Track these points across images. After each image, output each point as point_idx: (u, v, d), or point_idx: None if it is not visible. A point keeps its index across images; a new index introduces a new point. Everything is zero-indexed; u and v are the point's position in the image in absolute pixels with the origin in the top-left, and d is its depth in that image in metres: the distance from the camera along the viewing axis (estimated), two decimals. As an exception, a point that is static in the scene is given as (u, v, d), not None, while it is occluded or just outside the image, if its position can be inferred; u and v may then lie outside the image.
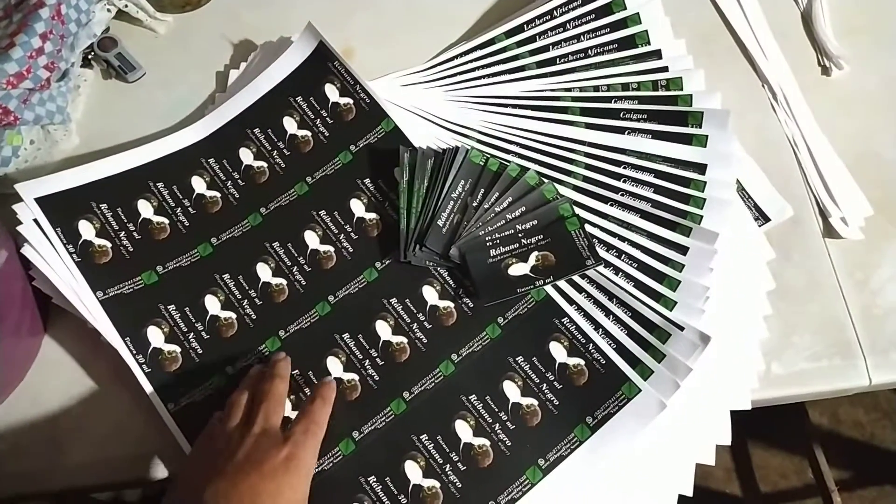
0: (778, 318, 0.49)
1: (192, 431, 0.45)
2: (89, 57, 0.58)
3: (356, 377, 0.47)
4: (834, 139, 0.54)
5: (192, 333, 0.48)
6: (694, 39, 0.57)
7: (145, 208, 0.51)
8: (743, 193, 0.52)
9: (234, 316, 0.48)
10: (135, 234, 0.50)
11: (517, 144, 0.54)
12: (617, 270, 0.49)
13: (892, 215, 0.52)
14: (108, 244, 0.49)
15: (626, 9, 0.56)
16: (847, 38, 0.58)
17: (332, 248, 0.51)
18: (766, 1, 0.59)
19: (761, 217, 0.52)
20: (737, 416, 0.46)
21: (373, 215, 0.52)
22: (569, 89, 0.55)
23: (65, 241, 0.48)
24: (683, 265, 0.48)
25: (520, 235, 0.50)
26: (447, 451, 0.45)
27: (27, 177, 0.53)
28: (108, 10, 0.57)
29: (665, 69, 0.55)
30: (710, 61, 0.56)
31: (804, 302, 0.49)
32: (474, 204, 0.51)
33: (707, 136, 0.51)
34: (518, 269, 0.49)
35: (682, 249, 0.48)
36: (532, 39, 0.57)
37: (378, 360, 0.48)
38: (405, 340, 0.48)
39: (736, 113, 0.54)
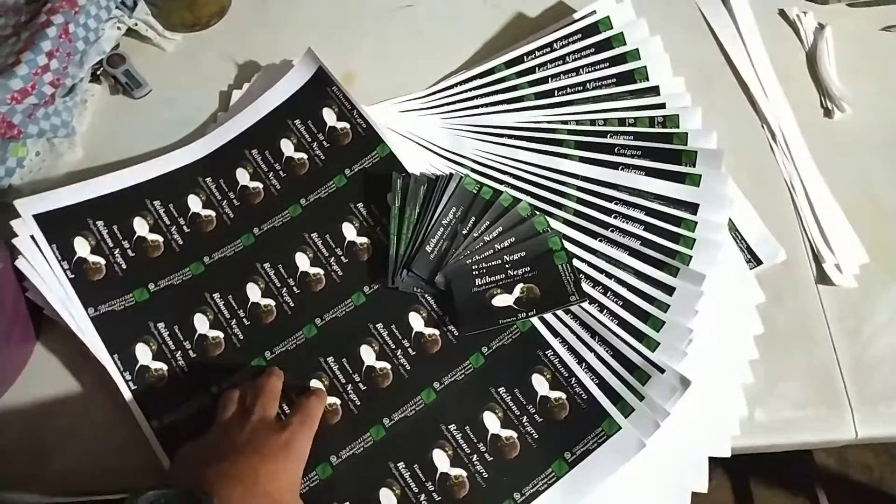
0: (764, 364, 0.48)
1: (174, 449, 0.45)
2: (98, 73, 0.59)
3: (338, 401, 0.47)
4: (832, 183, 0.54)
5: (180, 352, 0.48)
6: (694, 75, 0.56)
7: (141, 226, 0.52)
8: (736, 234, 0.52)
9: (221, 335, 0.49)
10: (129, 251, 0.51)
11: (510, 175, 0.54)
12: (601, 307, 0.48)
13: (888, 263, 0.51)
14: (103, 261, 0.50)
15: (625, 44, 0.56)
16: (851, 80, 0.57)
17: (321, 271, 0.51)
18: (770, 39, 0.59)
19: (753, 259, 0.51)
20: (739, 460, 0.45)
21: (364, 240, 0.52)
22: (565, 122, 0.55)
23: (59, 258, 0.49)
24: (669, 305, 0.48)
25: (507, 266, 0.50)
26: (423, 480, 0.45)
27: (31, 187, 0.54)
28: (118, 28, 0.59)
29: (662, 106, 0.54)
30: (710, 98, 0.56)
31: (792, 348, 0.49)
32: (464, 231, 0.51)
33: (700, 176, 0.51)
34: (502, 300, 0.49)
35: (669, 290, 0.48)
36: (531, 71, 0.57)
37: (361, 385, 0.48)
38: (389, 366, 0.48)
39: (733, 152, 0.54)
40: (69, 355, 0.49)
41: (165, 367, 0.48)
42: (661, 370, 0.45)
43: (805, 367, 0.48)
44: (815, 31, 0.59)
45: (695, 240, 0.49)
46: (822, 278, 0.51)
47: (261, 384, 0.45)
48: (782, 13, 0.60)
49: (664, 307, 0.48)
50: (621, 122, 0.54)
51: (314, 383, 0.48)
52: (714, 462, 0.46)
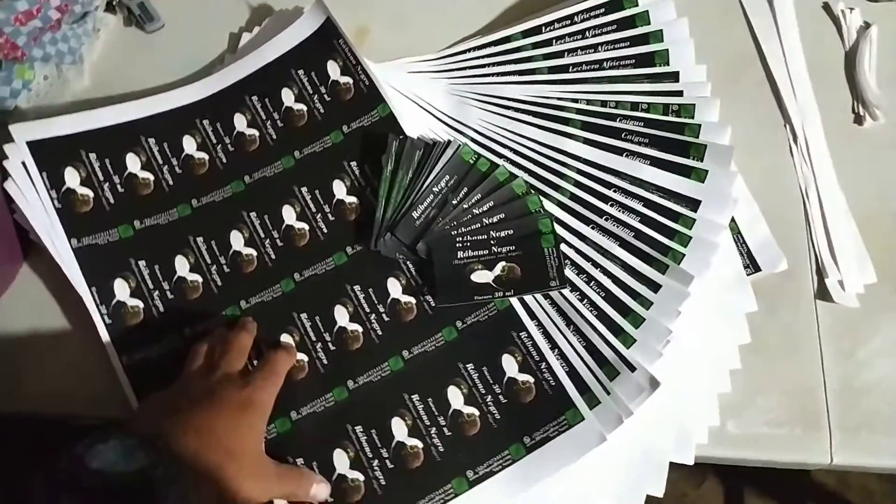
0: (745, 375, 0.46)
1: (141, 385, 0.47)
2: (113, 3, 0.59)
3: (306, 358, 0.47)
4: (851, 195, 0.50)
5: (158, 291, 0.49)
6: (720, 64, 0.53)
7: (133, 162, 0.52)
8: (737, 237, 0.49)
9: (200, 280, 0.49)
10: (118, 186, 0.51)
11: (510, 149, 0.52)
12: (582, 296, 0.47)
13: (898, 286, 0.48)
14: (91, 194, 0.50)
15: (649, 23, 0.53)
16: (891, 87, 0.53)
17: (306, 227, 0.51)
18: (809, 34, 0.55)
19: (752, 265, 0.49)
20: (735, 468, 0.44)
21: (353, 199, 0.51)
22: (575, 100, 0.53)
23: (48, 187, 0.50)
24: (652, 303, 0.46)
25: (492, 242, 0.49)
26: (378, 446, 0.45)
27: (36, 112, 0.55)
28: (136, -41, 0.58)
29: (679, 93, 0.51)
30: (733, 90, 0.53)
31: (778, 362, 0.46)
32: (454, 201, 0.50)
33: (707, 172, 0.48)
34: (481, 276, 0.48)
35: (655, 286, 0.46)
36: (548, 43, 0.55)
37: (330, 344, 0.48)
38: (361, 329, 0.48)
39: (749, 150, 0.51)
40: (53, 281, 0.50)
41: (142, 305, 0.48)
42: (633, 368, 0.44)
43: (788, 384, 0.46)
44: (858, 31, 0.54)
45: (691, 238, 0.47)
46: (823, 294, 0.48)
47: (230, 339, 0.45)
48: (826, 7, 0.56)
49: (647, 304, 0.46)
50: (633, 106, 0.52)
51: (285, 338, 0.48)
52: (708, 466, 0.44)
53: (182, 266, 0.49)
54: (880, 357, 0.46)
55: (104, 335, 0.47)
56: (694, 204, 0.48)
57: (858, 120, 0.53)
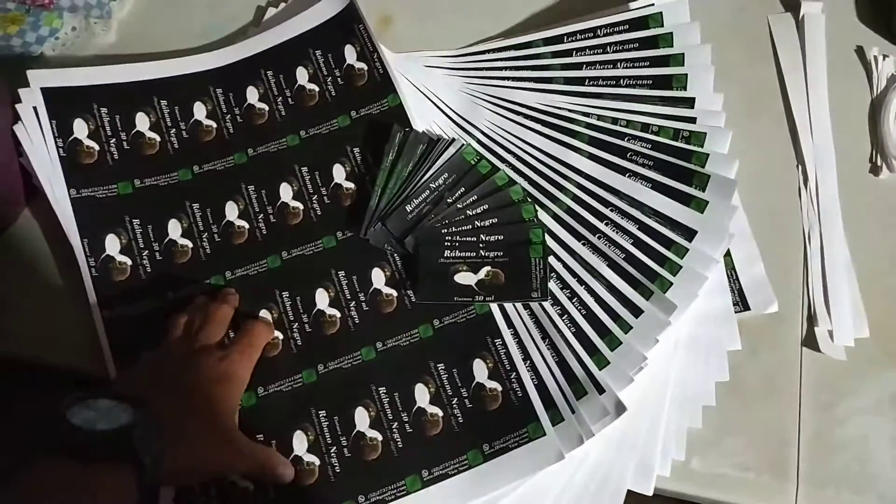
0: (718, 414, 0.45)
1: (118, 340, 0.47)
2: (149, -39, 0.60)
3: (280, 336, 0.48)
4: (856, 246, 0.49)
5: (147, 251, 0.49)
6: (738, 93, 0.52)
7: (142, 121, 0.52)
8: (731, 273, 0.48)
9: (190, 245, 0.50)
10: (125, 143, 0.52)
11: (514, 155, 0.52)
12: (563, 311, 0.46)
13: (890, 346, 0.46)
14: (97, 147, 0.51)
15: (672, 46, 0.52)
16: (914, 140, 0.51)
17: (301, 206, 0.51)
18: (836, 76, 0.53)
19: (741, 303, 0.47)
20: None
21: (351, 185, 0.51)
22: (587, 114, 0.52)
23: (56, 135, 0.51)
24: (631, 327, 0.45)
25: (480, 245, 0.48)
26: (339, 433, 0.45)
27: (60, 61, 0.56)
28: (175, -78, 0.59)
29: (693, 120, 0.50)
30: (748, 123, 0.51)
31: (754, 405, 0.45)
32: (449, 200, 0.50)
33: (707, 203, 0.47)
34: (464, 278, 0.47)
35: (637, 311, 0.45)
36: (568, 53, 0.54)
37: (307, 326, 0.48)
38: (338, 315, 0.48)
39: (757, 185, 0.50)
40: (49, 229, 0.51)
41: (130, 263, 0.49)
42: (601, 390, 0.43)
43: (761, 429, 0.45)
44: (889, 79, 0.53)
45: (681, 267, 0.46)
46: (810, 341, 0.47)
47: (211, 310, 0.45)
48: (860, 50, 0.54)
49: (626, 328, 0.45)
50: (644, 127, 0.51)
51: (264, 313, 0.48)
52: (667, 500, 0.43)
53: (174, 229, 0.50)
54: (859, 415, 0.45)
55: (89, 287, 0.48)
56: (689, 233, 0.47)
57: (875, 170, 0.51)
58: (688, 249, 0.46)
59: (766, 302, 0.47)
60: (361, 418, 0.45)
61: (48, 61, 0.56)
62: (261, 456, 0.42)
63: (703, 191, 0.48)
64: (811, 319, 0.47)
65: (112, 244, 0.49)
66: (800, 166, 0.51)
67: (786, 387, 0.46)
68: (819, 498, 0.43)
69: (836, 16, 0.55)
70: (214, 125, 0.53)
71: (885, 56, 0.53)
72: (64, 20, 0.55)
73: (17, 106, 0.50)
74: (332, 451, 0.45)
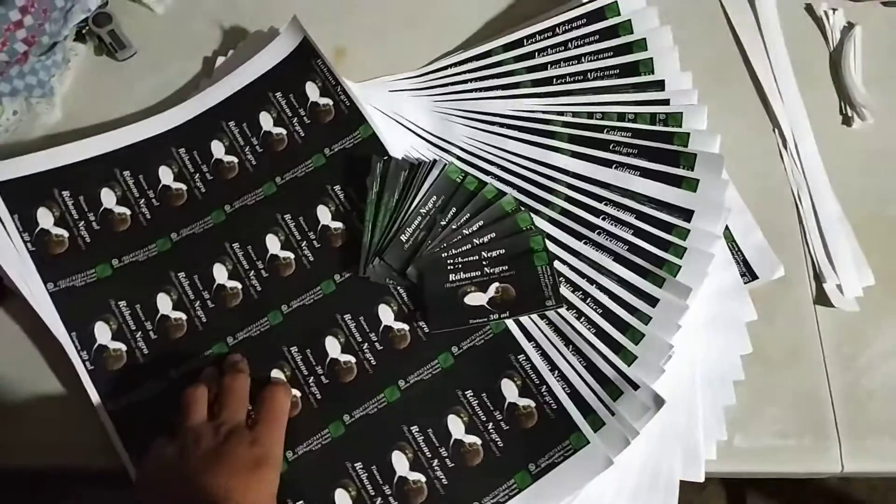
0: (749, 386, 0.45)
1: (128, 432, 0.44)
2: (83, 31, 0.57)
3: (298, 394, 0.46)
4: (844, 197, 0.50)
5: (140, 332, 0.47)
6: (704, 69, 0.53)
7: (108, 197, 0.50)
8: (732, 245, 0.48)
9: (184, 317, 0.47)
10: (94, 224, 0.49)
11: (497, 166, 0.51)
12: (579, 314, 0.46)
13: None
14: (66, 234, 0.48)
15: (632, 33, 0.52)
16: (877, 88, 0.52)
17: (292, 255, 0.49)
18: (792, 36, 0.54)
19: (748, 273, 0.48)
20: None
21: (338, 224, 0.50)
22: (561, 112, 0.52)
23: (21, 229, 0.48)
24: (650, 318, 0.45)
25: (484, 263, 0.47)
26: (380, 482, 0.44)
27: (6, 149, 0.53)
28: (104, -14, 0.56)
29: (666, 102, 0.51)
30: (719, 96, 0.52)
31: (781, 371, 0.46)
32: (443, 222, 0.49)
33: (698, 181, 0.47)
34: (475, 299, 0.46)
35: (652, 301, 0.45)
36: (531, 56, 0.54)
37: (323, 378, 0.46)
38: (353, 360, 0.46)
39: (739, 156, 0.50)
40: (31, 325, 0.48)
41: (124, 348, 0.46)
42: (636, 386, 0.43)
43: (793, 393, 0.45)
44: (842, 31, 0.54)
45: (685, 249, 0.46)
46: (822, 299, 0.47)
47: (227, 385, 0.43)
48: (809, 8, 0.56)
49: (645, 319, 0.45)
50: (620, 116, 0.51)
51: (275, 373, 0.46)
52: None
53: (164, 304, 0.48)
54: (883, 360, 0.46)
55: (87, 382, 0.45)
56: (687, 214, 0.47)
57: (847, 121, 0.52)
58: (689, 230, 0.47)
59: (771, 268, 0.48)
60: (400, 462, 0.44)
61: (-7, 149, 0.53)
62: None
63: (692, 170, 0.48)
64: (818, 277, 0.48)
65: (102, 332, 0.46)
66: (776, 130, 0.52)
67: (807, 347, 0.46)
68: (862, 450, 0.44)
69: (780, -23, 0.56)
70: (184, 187, 0.51)
71: (834, 10, 0.55)
72: (4, 106, 0.52)
73: (-27, 207, 0.47)
74: (378, 502, 0.43)
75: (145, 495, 0.40)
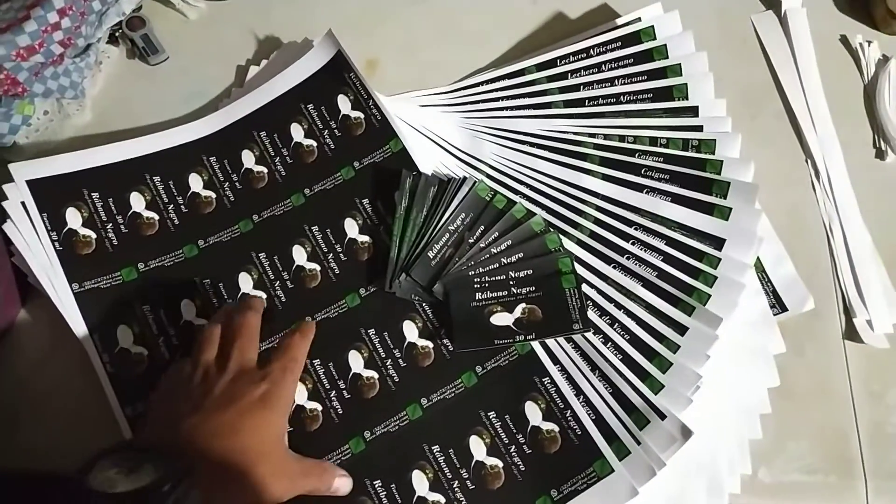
0: (776, 420, 0.44)
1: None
2: (116, 34, 0.57)
3: (319, 407, 0.45)
4: (876, 231, 0.49)
5: (163, 337, 0.47)
6: (738, 97, 0.52)
7: (137, 201, 0.50)
8: (762, 276, 0.48)
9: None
10: (122, 227, 0.49)
11: (527, 185, 0.51)
12: (606, 339, 0.45)
13: (927, 325, 0.47)
14: (94, 235, 0.48)
15: (667, 57, 0.52)
16: (911, 121, 0.52)
17: (318, 267, 0.49)
18: (827, 67, 0.54)
19: (778, 305, 0.47)
20: None
21: (366, 238, 0.50)
22: (592, 135, 0.52)
23: (49, 228, 0.48)
24: (679, 346, 0.44)
25: (511, 283, 0.47)
26: (399, 502, 0.43)
27: (36, 148, 0.53)
28: (140, -10, 0.56)
29: (699, 129, 0.50)
30: (752, 124, 0.52)
31: (809, 406, 0.45)
32: (471, 240, 0.48)
33: (731, 210, 0.47)
34: (501, 319, 0.46)
35: (681, 329, 0.45)
36: (563, 76, 0.53)
37: (345, 392, 0.46)
38: (376, 376, 0.46)
39: (771, 185, 0.50)
40: (53, 327, 0.47)
41: (146, 353, 0.46)
42: (662, 416, 0.42)
43: (820, 428, 0.45)
44: (877, 64, 0.54)
45: (716, 278, 0.46)
46: (851, 334, 0.47)
47: (238, 323, 0.42)
48: (844, 40, 0.55)
49: (674, 347, 0.44)
50: (652, 141, 0.51)
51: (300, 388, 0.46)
52: None
53: (189, 310, 0.47)
54: (912, 399, 0.45)
55: (107, 385, 0.45)
56: (718, 242, 0.47)
57: (880, 154, 0.52)
58: (720, 259, 0.46)
59: (801, 300, 0.47)
60: (420, 482, 0.43)
61: (24, 150, 0.53)
62: (316, 473, 0.41)
63: (725, 197, 0.48)
64: (847, 311, 0.47)
65: (125, 336, 0.46)
66: (808, 160, 0.52)
67: (835, 382, 0.46)
68: (889, 490, 0.43)
69: (816, 8, 0.56)
70: (213, 195, 0.51)
71: (869, 42, 0.54)
72: (35, 105, 0.52)
73: (2, 204, 0.47)
74: (395, 521, 0.43)
75: (155, 429, 0.40)
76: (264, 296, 0.47)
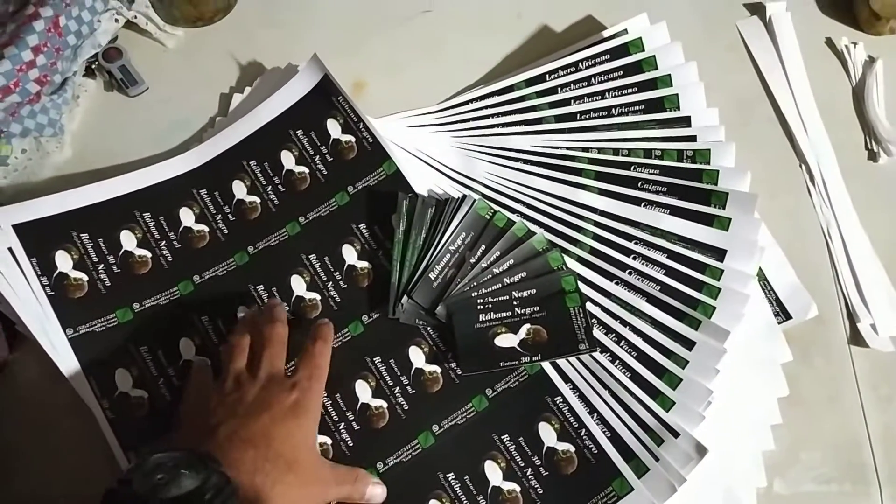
0: (787, 430, 0.44)
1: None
2: (92, 66, 0.56)
3: (329, 440, 0.44)
4: (874, 234, 0.49)
5: (162, 379, 0.45)
6: (729, 105, 0.52)
7: (128, 240, 0.48)
8: (765, 285, 0.48)
9: (207, 362, 0.46)
10: (114, 267, 0.47)
11: (523, 203, 0.50)
12: (613, 358, 0.45)
13: (929, 325, 0.47)
14: (85, 277, 0.47)
15: (657, 68, 0.52)
16: (901, 121, 0.53)
17: (318, 297, 0.48)
18: (814, 70, 0.54)
19: (782, 313, 0.47)
20: None
21: (365, 264, 0.49)
22: (586, 149, 0.51)
23: (39, 273, 0.46)
24: (687, 361, 0.44)
25: (514, 303, 0.46)
26: None
27: (15, 189, 0.51)
28: (116, 21, 0.55)
29: (693, 139, 0.50)
30: (744, 132, 0.52)
31: (819, 414, 0.45)
32: (472, 260, 0.48)
33: (730, 220, 0.47)
34: (506, 341, 0.45)
35: (689, 344, 0.44)
36: (553, 91, 0.53)
37: (354, 424, 0.45)
38: (385, 405, 0.45)
39: (767, 193, 0.49)
40: (45, 372, 0.46)
41: (146, 395, 0.45)
42: (676, 434, 0.42)
43: (832, 436, 0.45)
44: (864, 65, 0.54)
45: (720, 290, 0.46)
46: (856, 339, 0.47)
47: (267, 334, 0.43)
48: (829, 42, 0.56)
49: (682, 363, 0.44)
50: (647, 153, 0.50)
51: None
52: None
53: (187, 349, 0.46)
54: (919, 401, 0.45)
55: (107, 431, 0.43)
56: (719, 254, 0.47)
57: (872, 157, 0.52)
58: (722, 270, 0.46)
59: (805, 307, 0.47)
60: (436, 512, 0.43)
61: (3, 191, 0.51)
62: (349, 480, 0.41)
63: (723, 208, 0.47)
64: (851, 317, 0.47)
65: (123, 379, 0.45)
66: (802, 165, 0.52)
67: (844, 388, 0.46)
68: (903, 494, 0.43)
69: (800, 11, 0.56)
70: (206, 229, 0.49)
71: (854, 43, 0.55)
72: (13, 145, 0.51)
73: (-11, 250, 0.45)
74: (412, 555, 0.42)
75: (187, 436, 0.40)
76: None
